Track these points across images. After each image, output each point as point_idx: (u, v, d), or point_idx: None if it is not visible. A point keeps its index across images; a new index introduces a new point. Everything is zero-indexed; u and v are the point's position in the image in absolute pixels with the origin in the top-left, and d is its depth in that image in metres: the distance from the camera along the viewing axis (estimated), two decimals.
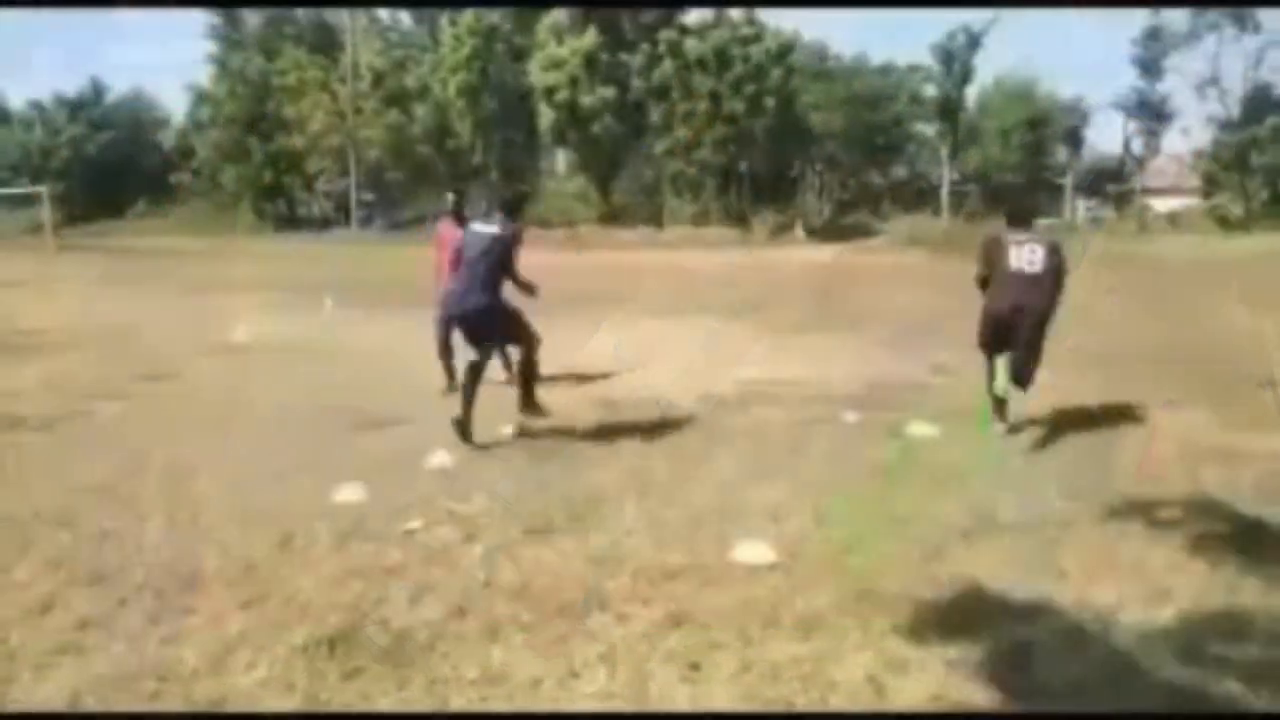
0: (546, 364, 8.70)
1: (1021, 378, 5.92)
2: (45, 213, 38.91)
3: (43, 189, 39.70)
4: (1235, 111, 39.59)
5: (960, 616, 3.34)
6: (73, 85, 63.94)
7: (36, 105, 59.00)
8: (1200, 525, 4.24)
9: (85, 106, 59.32)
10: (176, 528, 4.34)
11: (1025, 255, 5.88)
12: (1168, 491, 4.76)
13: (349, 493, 4.74)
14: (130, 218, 54.94)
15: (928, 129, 52.35)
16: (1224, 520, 4.31)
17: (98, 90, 60.46)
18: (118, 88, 61.85)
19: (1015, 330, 5.84)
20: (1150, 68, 43.70)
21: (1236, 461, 5.28)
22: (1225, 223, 36.20)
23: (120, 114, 60.65)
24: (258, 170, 51.49)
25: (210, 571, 3.80)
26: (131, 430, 6.39)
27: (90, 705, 2.84)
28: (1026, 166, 46.36)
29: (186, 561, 3.90)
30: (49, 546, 4.10)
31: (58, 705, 2.83)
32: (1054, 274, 5.88)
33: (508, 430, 6.08)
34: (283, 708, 2.82)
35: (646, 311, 13.42)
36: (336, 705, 2.83)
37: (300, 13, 54.95)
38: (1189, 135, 44.42)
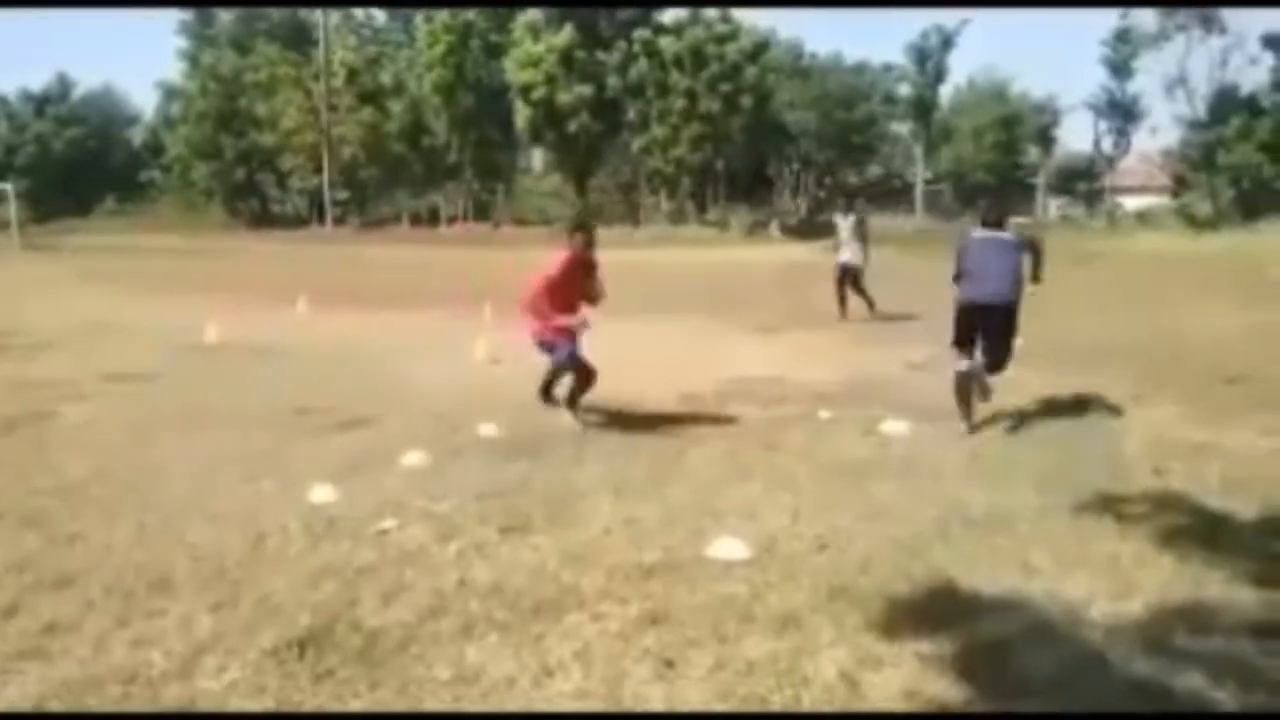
0: (526, 364, 8.66)
1: None
2: (10, 210, 38.20)
3: (8, 186, 38.98)
4: (1202, 111, 40.20)
5: (933, 612, 3.36)
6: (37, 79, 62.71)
7: (1, 100, 57.94)
8: (1168, 519, 4.30)
9: (52, 102, 58.37)
10: (145, 529, 4.28)
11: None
12: (1136, 486, 4.82)
13: (322, 493, 4.69)
14: (99, 215, 54.15)
15: (902, 128, 52.78)
16: (1191, 514, 4.38)
17: (65, 85, 59.46)
18: (86, 82, 60.72)
19: None
20: (1120, 68, 44.26)
21: (1203, 456, 5.36)
22: (1193, 221, 36.75)
23: (88, 110, 59.72)
24: (230, 167, 50.90)
25: (180, 573, 3.75)
26: (99, 431, 6.30)
27: (56, 711, 2.79)
28: (999, 165, 46.84)
29: (155, 563, 3.85)
30: (14, 549, 4.03)
31: (23, 711, 2.78)
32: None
33: (486, 430, 6.06)
34: (253, 711, 2.79)
35: (623, 310, 13.40)
36: (308, 708, 2.81)
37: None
38: (1157, 135, 45.14)
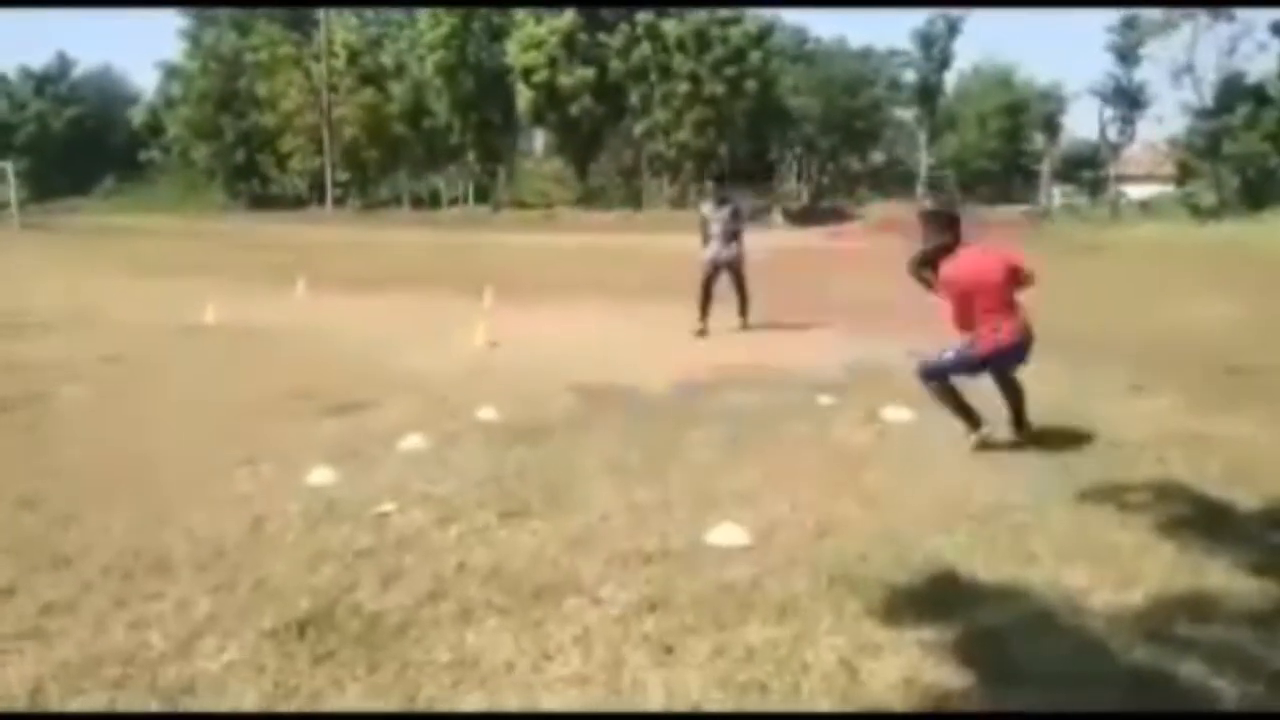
0: (525, 349, 8.65)
1: None
2: (10, 189, 38.11)
3: (7, 165, 38.86)
4: (1209, 99, 39.98)
5: (933, 600, 3.35)
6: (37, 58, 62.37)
7: (0, 78, 57.67)
8: (1169, 509, 4.28)
9: (52, 81, 58.16)
10: (142, 511, 4.27)
11: None
12: (1138, 476, 4.81)
13: (320, 476, 4.68)
14: (98, 195, 54.05)
15: (906, 114, 52.62)
16: (1192, 504, 4.37)
17: (65, 64, 59.18)
18: (86, 61, 60.47)
19: None
20: (1126, 55, 44.03)
21: (1204, 446, 5.34)
22: (1197, 210, 36.62)
23: (88, 89, 59.51)
24: (230, 148, 50.75)
25: (178, 555, 3.74)
26: (96, 413, 6.29)
27: (54, 692, 2.78)
28: (1003, 152, 46.68)
29: (153, 545, 3.84)
30: (11, 531, 4.02)
31: (20, 693, 2.77)
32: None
33: (485, 414, 6.04)
34: (251, 693, 2.78)
35: (624, 294, 13.37)
36: (306, 689, 2.80)
37: None
38: (1163, 123, 44.97)
